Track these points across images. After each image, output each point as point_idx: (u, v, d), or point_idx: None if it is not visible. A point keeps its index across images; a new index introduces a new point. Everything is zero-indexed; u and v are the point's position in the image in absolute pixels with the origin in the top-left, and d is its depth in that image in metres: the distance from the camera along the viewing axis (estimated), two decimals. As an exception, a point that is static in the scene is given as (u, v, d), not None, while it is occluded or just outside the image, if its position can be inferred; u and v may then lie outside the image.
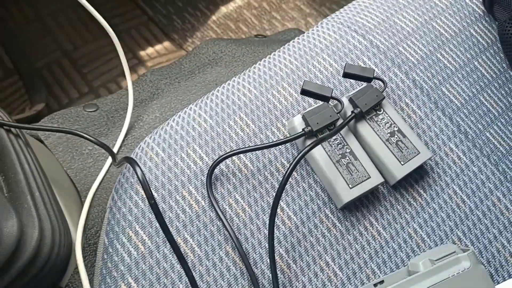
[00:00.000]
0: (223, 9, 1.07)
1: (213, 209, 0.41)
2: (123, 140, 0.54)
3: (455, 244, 0.42)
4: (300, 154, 0.38)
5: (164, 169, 0.43)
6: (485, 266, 0.42)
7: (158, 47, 1.00)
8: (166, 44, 1.01)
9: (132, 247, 0.39)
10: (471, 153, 0.46)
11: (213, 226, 0.41)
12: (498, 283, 0.40)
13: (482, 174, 0.45)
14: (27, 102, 0.86)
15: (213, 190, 0.42)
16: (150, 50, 1.00)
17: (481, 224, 0.43)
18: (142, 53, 0.99)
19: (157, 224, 0.40)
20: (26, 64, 0.91)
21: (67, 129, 0.44)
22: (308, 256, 0.40)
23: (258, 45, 0.70)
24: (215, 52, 0.68)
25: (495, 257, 0.42)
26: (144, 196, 0.41)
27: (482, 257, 0.42)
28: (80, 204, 0.49)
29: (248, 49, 0.68)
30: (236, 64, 0.65)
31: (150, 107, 0.58)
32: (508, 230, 0.43)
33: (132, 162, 0.32)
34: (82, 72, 0.93)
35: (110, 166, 0.52)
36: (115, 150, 0.53)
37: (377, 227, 0.42)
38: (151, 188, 0.41)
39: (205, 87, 0.61)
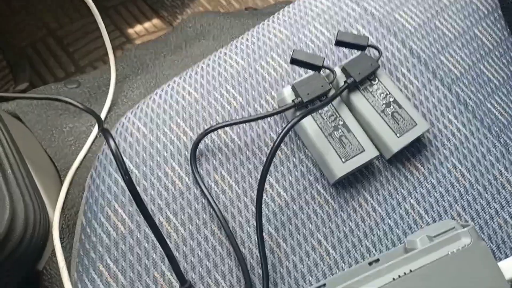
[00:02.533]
0: (214, -15, 1.04)
1: (197, 186, 0.39)
2: (106, 117, 0.52)
3: (454, 220, 0.40)
4: (289, 125, 0.36)
5: (146, 145, 0.40)
6: (486, 243, 0.40)
7: (147, 24, 0.97)
8: (155, 21, 0.97)
9: (111, 227, 0.37)
10: (471, 125, 0.43)
11: (197, 204, 0.38)
12: (500, 260, 0.38)
13: (482, 147, 0.43)
14: (11, 83, 0.83)
15: (198, 166, 0.39)
16: (138, 27, 0.96)
17: (482, 198, 0.41)
18: (130, 30, 0.95)
19: (138, 203, 0.38)
20: (10, 43, 0.87)
21: (49, 96, 0.41)
22: (299, 234, 0.38)
23: (248, 18, 0.67)
24: (203, 25, 0.65)
25: (497, 233, 0.40)
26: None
27: (483, 233, 0.40)
28: (59, 184, 0.46)
29: (237, 21, 0.65)
30: (224, 37, 0.62)
31: (134, 83, 0.55)
32: (510, 204, 0.41)
33: (105, 133, 0.29)
34: (68, 51, 0.89)
35: (92, 144, 0.49)
36: (96, 127, 0.50)
37: (372, 203, 0.40)
38: (132, 164, 0.39)
39: (192, 61, 0.58)
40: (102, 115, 0.52)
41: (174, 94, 0.43)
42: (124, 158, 0.39)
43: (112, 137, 0.29)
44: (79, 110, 0.52)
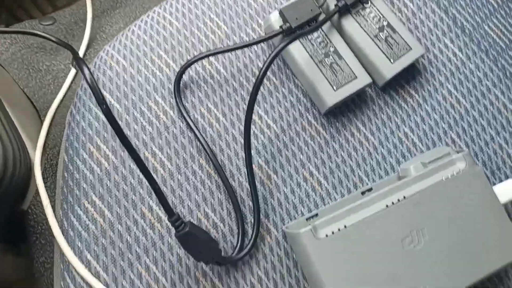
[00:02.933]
0: None
1: (183, 120, 0.37)
2: (85, 54, 0.49)
3: (449, 146, 0.39)
4: (276, 50, 0.34)
5: (127, 78, 0.38)
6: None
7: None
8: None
9: (94, 163, 0.35)
10: (468, 49, 0.41)
11: (184, 138, 0.37)
12: (495, 184, 0.37)
13: (479, 71, 0.41)
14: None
15: (183, 99, 0.38)
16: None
17: (477, 125, 0.40)
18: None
19: (121, 138, 0.36)
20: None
21: (23, 30, 0.38)
22: (290, 165, 0.37)
23: None
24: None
25: (492, 159, 0.39)
26: (105, 107, 0.37)
27: (478, 160, 0.39)
28: (40, 124, 0.44)
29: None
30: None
31: (112, 17, 0.52)
32: (506, 130, 0.40)
33: (79, 62, 0.27)
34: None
35: (72, 83, 0.47)
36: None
37: (364, 133, 0.39)
38: (113, 99, 0.37)
39: (173, -8, 0.54)
40: (80, 52, 0.49)
41: (154, 24, 0.40)
42: (104, 92, 0.37)
43: (87, 66, 0.26)
44: (55, 47, 0.49)
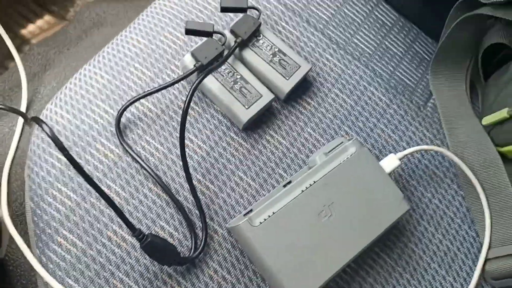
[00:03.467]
0: (99, -27, 1.04)
1: (128, 154, 0.44)
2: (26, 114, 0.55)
3: (342, 137, 0.49)
4: (194, 84, 0.42)
5: (73, 129, 0.45)
6: (371, 150, 0.50)
7: (40, 22, 0.96)
8: (47, 18, 0.97)
9: (59, 204, 0.42)
10: (344, 59, 0.53)
11: (131, 169, 0.44)
12: (381, 160, 0.48)
13: (356, 75, 0.52)
14: None
15: (125, 137, 0.45)
16: (31, 27, 0.95)
17: (362, 116, 0.51)
18: (24, 31, 0.94)
19: (79, 179, 0.43)
20: None
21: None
22: (222, 175, 0.46)
23: (140, 0, 0.71)
24: (98, 14, 0.68)
25: (377, 140, 0.50)
26: (59, 156, 0.43)
27: (367, 143, 0.50)
28: (-4, 183, 0.49)
29: (131, 5, 0.69)
30: (121, 22, 0.66)
31: (44, 79, 0.58)
32: (384, 117, 0.51)
33: (37, 120, 0.34)
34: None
35: (18, 142, 0.52)
36: (19, 125, 0.53)
37: (277, 138, 0.48)
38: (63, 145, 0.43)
39: (95, 50, 0.61)
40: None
41: (87, 80, 0.47)
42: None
43: (44, 123, 0.33)
44: (-3, 113, 0.55)
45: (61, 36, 0.66)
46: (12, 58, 0.86)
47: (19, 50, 0.90)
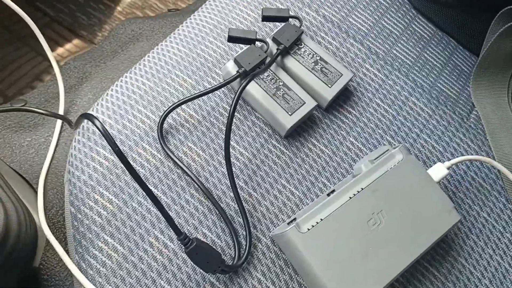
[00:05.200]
0: (127, -1, 1.07)
1: (170, 160, 0.43)
2: (62, 126, 0.54)
3: (387, 145, 0.48)
4: (239, 91, 0.42)
5: (115, 133, 0.44)
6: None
7: (68, 46, 0.98)
8: (76, 41, 0.99)
9: (100, 208, 0.40)
10: (384, 70, 0.52)
11: (173, 174, 0.43)
12: (428, 168, 0.46)
13: (397, 85, 0.51)
14: None
15: (166, 143, 0.44)
16: (60, 50, 0.97)
17: (404, 126, 0.50)
18: (53, 54, 0.96)
19: (120, 183, 0.42)
20: None
21: (14, 106, 0.43)
22: (265, 183, 0.44)
23: (174, 17, 0.72)
24: (134, 30, 0.69)
25: (421, 151, 0.49)
26: (101, 160, 0.42)
27: (411, 153, 0.48)
28: (33, 191, 0.49)
29: (165, 21, 0.70)
30: (156, 37, 0.67)
31: (81, 91, 0.58)
32: (426, 127, 0.50)
33: (89, 116, 0.33)
34: (-8, 83, 0.89)
35: (54, 152, 0.52)
36: (55, 135, 0.53)
37: (319, 147, 0.47)
38: (106, 152, 0.43)
39: (132, 62, 0.62)
40: (57, 126, 0.54)
41: (129, 86, 0.47)
42: (98, 148, 0.43)
43: (96, 119, 0.33)
44: (33, 123, 0.54)
45: (97, 51, 0.66)
46: (47, 72, 0.88)
47: (47, 72, 0.91)
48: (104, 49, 0.67)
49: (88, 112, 0.46)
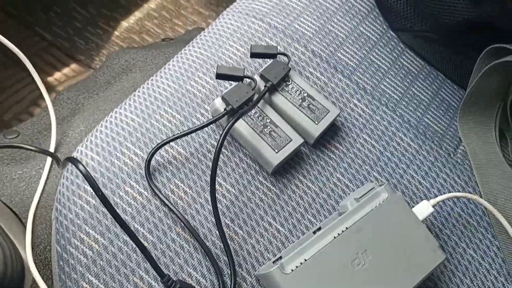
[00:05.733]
0: (124, 24, 1.08)
1: (156, 197, 0.44)
2: (53, 160, 0.55)
3: (373, 182, 0.48)
4: (225, 129, 0.42)
5: (103, 171, 0.44)
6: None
7: (66, 70, 0.99)
8: (73, 66, 1.00)
9: (86, 247, 0.41)
10: (372, 105, 0.53)
11: (160, 212, 0.43)
12: (413, 207, 0.46)
13: (384, 121, 0.52)
14: None
15: (153, 180, 0.45)
16: (57, 74, 0.98)
17: (391, 162, 0.50)
18: (50, 79, 0.97)
19: (107, 222, 0.42)
20: None
21: (4, 144, 0.44)
22: (251, 220, 0.45)
23: (167, 47, 0.73)
24: (127, 61, 0.70)
25: (408, 187, 0.49)
26: (88, 198, 0.43)
27: (398, 189, 0.49)
28: (22, 225, 0.49)
29: (158, 52, 0.71)
30: (149, 68, 0.68)
31: (73, 123, 0.59)
32: (413, 163, 0.50)
33: (73, 160, 0.34)
34: (-12, 108, 0.89)
35: (45, 185, 0.52)
36: (46, 168, 0.53)
37: (306, 183, 0.47)
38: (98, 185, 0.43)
39: (124, 94, 0.63)
40: (49, 159, 0.55)
41: (118, 122, 0.48)
42: (86, 186, 0.43)
43: (80, 163, 0.33)
44: (25, 156, 0.55)
45: (90, 81, 0.67)
46: (39, 104, 0.88)
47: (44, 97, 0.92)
48: (97, 80, 0.68)
49: (79, 147, 0.47)
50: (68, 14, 1.07)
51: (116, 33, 1.07)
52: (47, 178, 0.53)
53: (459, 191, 0.50)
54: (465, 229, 0.48)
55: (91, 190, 0.43)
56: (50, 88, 0.94)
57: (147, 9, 1.13)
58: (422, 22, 0.55)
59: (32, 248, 0.45)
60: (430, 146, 0.52)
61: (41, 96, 0.93)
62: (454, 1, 0.46)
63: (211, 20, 1.13)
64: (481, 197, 0.50)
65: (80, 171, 0.33)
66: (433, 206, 0.45)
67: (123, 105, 0.50)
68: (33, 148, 0.44)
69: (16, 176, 0.54)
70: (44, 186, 0.52)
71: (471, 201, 0.50)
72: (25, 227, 0.48)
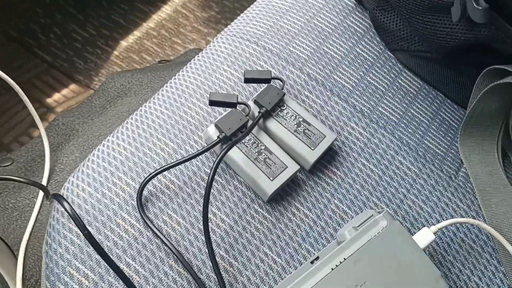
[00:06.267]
0: (123, 43, 1.09)
1: (149, 229, 0.43)
2: (46, 186, 0.54)
3: (372, 209, 0.47)
4: (218, 158, 0.41)
5: (94, 202, 0.43)
6: (401, 222, 0.47)
7: (65, 91, 0.99)
8: (72, 86, 1.00)
9: (76, 283, 0.40)
10: (370, 128, 0.51)
11: (152, 244, 0.42)
12: (415, 233, 0.45)
13: (382, 144, 0.51)
14: None
15: (146, 211, 0.44)
16: (57, 96, 0.98)
17: (391, 187, 0.49)
18: (49, 100, 0.97)
19: (97, 256, 0.41)
20: None
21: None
22: (247, 251, 0.43)
23: (163, 70, 0.72)
24: (123, 84, 0.69)
25: (408, 212, 0.48)
26: (78, 232, 0.42)
27: (398, 215, 0.47)
28: (14, 257, 0.48)
29: (154, 75, 0.70)
30: (145, 92, 0.67)
31: (68, 149, 0.58)
32: (413, 187, 0.49)
33: (58, 197, 0.33)
34: (-12, 131, 0.89)
35: (37, 215, 0.51)
36: (39, 197, 0.52)
37: (303, 211, 0.46)
38: (84, 223, 0.42)
39: (119, 119, 0.62)
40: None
41: (110, 151, 0.47)
42: (76, 219, 0.42)
43: (66, 201, 0.32)
44: (18, 185, 0.54)
45: (86, 106, 0.67)
46: (43, 118, 0.88)
47: (43, 119, 0.92)
48: (93, 104, 0.67)
49: (70, 177, 0.46)
50: (68, 35, 1.07)
51: (116, 52, 1.07)
52: (40, 207, 0.52)
53: (462, 216, 0.49)
54: (469, 255, 0.47)
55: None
56: (50, 109, 0.94)
57: (146, 28, 1.13)
58: (419, 42, 0.54)
59: (23, 282, 0.44)
60: (431, 169, 0.51)
61: (42, 116, 0.93)
62: (449, 25, 0.45)
63: (210, 37, 1.13)
64: (484, 221, 0.49)
65: (66, 210, 0.32)
66: (435, 233, 0.44)
67: (115, 132, 0.49)
68: (23, 180, 0.43)
69: (10, 206, 0.53)
70: (37, 216, 0.51)
71: (474, 226, 0.48)
72: (16, 259, 0.47)
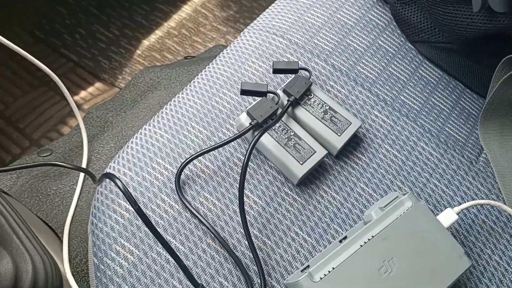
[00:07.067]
0: (146, 42, 1.12)
1: (187, 210, 0.46)
2: (85, 176, 0.57)
3: (397, 191, 0.49)
4: (252, 143, 0.44)
5: (135, 185, 0.46)
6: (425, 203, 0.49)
7: (91, 89, 1.02)
8: (98, 85, 1.03)
9: (122, 259, 0.42)
10: (393, 116, 0.54)
11: (190, 224, 0.45)
12: (438, 214, 0.47)
13: (405, 131, 0.53)
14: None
15: (183, 193, 0.46)
16: (83, 93, 1.02)
17: (414, 171, 0.51)
18: (76, 98, 1.01)
19: (141, 234, 0.44)
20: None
21: (41, 162, 0.46)
22: (278, 230, 0.46)
23: (190, 65, 0.75)
24: (152, 79, 0.72)
25: (431, 195, 0.50)
26: (122, 212, 0.45)
27: (421, 198, 0.50)
28: (58, 239, 0.51)
29: (182, 70, 0.73)
30: (174, 85, 0.70)
31: (103, 140, 0.62)
32: (436, 171, 0.51)
33: (110, 176, 0.36)
34: (19, 128, 0.93)
35: (78, 200, 0.54)
36: (79, 184, 0.55)
37: (331, 194, 0.49)
38: (127, 204, 0.45)
39: (151, 111, 0.65)
40: (81, 175, 0.57)
41: (148, 139, 0.50)
42: (120, 201, 0.45)
43: (118, 179, 0.35)
44: (59, 173, 0.57)
45: (117, 100, 0.70)
46: (71, 115, 0.91)
47: (71, 115, 0.95)
48: (124, 98, 0.70)
49: (111, 163, 0.49)
50: (92, 35, 1.11)
51: (138, 51, 1.10)
52: (80, 193, 0.55)
53: (483, 198, 0.51)
54: (490, 236, 0.49)
55: (125, 204, 0.45)
56: (77, 106, 0.97)
57: (167, 28, 1.16)
58: (439, 34, 0.56)
59: (69, 261, 0.47)
60: (452, 154, 0.53)
61: (68, 114, 0.96)
62: (469, 14, 0.47)
63: (229, 36, 1.15)
64: (504, 203, 0.51)
65: (118, 187, 0.35)
66: (457, 214, 0.46)
67: (151, 122, 0.52)
68: (69, 165, 0.46)
69: (51, 192, 0.56)
70: (78, 201, 0.54)
71: (495, 208, 0.50)
72: (61, 241, 0.50)
